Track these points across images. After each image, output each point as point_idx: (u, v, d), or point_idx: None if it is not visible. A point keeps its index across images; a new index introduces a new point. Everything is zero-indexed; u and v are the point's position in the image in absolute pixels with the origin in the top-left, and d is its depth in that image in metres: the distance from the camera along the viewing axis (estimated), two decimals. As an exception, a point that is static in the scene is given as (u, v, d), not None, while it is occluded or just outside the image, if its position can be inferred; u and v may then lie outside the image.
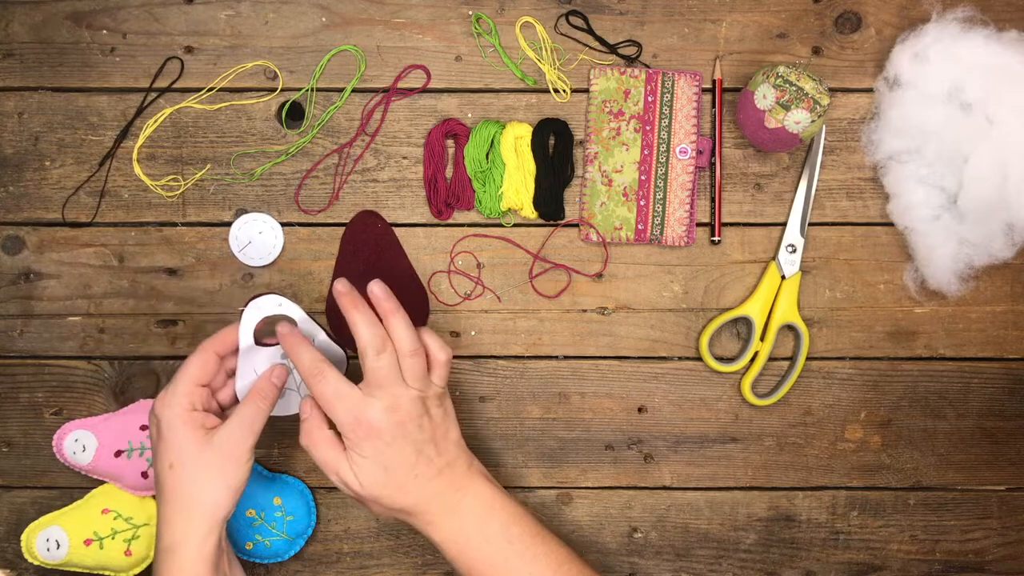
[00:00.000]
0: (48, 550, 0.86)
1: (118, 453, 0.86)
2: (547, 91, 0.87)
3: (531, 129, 0.86)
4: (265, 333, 0.82)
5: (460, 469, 0.78)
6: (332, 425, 0.77)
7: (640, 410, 0.90)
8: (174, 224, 0.88)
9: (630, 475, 0.90)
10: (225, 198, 0.88)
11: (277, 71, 0.87)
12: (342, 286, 0.76)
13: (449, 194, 0.87)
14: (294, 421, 0.85)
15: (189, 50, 0.87)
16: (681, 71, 0.87)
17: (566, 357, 0.89)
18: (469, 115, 0.87)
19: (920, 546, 0.91)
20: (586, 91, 0.87)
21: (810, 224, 0.88)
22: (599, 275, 0.89)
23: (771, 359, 0.89)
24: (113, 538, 0.86)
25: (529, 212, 0.87)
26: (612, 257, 0.88)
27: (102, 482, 0.88)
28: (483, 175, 0.87)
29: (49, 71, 0.87)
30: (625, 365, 0.89)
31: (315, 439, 0.76)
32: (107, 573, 0.88)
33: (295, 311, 0.83)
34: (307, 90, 0.87)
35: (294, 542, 0.89)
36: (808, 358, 0.89)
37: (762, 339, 0.88)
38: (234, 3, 0.87)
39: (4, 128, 0.87)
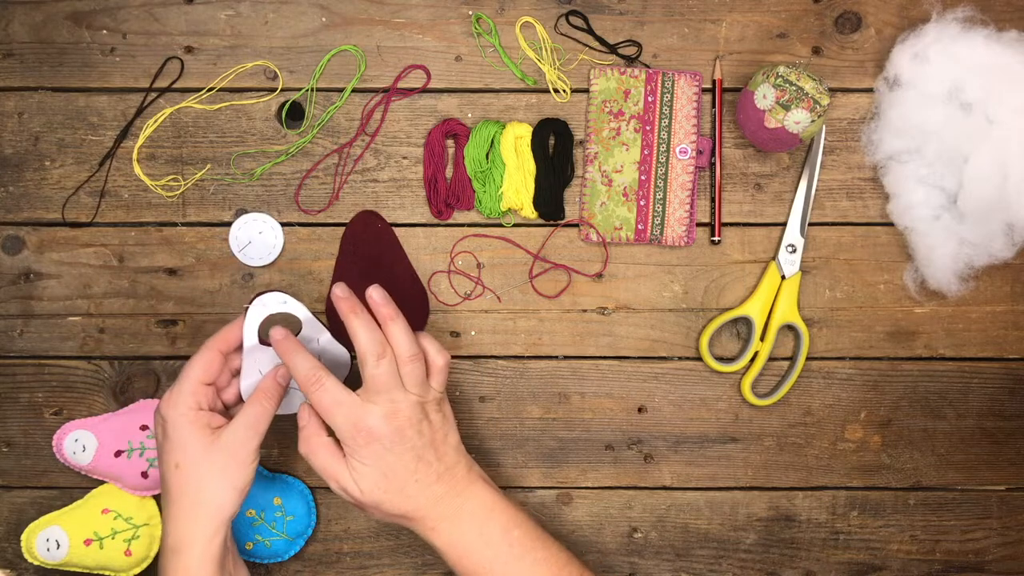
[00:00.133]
0: (48, 550, 0.86)
1: (118, 453, 0.86)
2: (547, 91, 0.87)
3: (531, 129, 0.86)
4: (268, 333, 0.82)
5: (460, 473, 0.78)
6: (330, 432, 0.77)
7: (640, 410, 0.90)
8: (174, 224, 0.88)
9: (630, 475, 0.90)
10: (225, 198, 0.88)
11: (277, 71, 0.87)
12: (340, 291, 0.76)
13: (449, 194, 0.87)
14: (295, 422, 0.85)
15: (189, 50, 0.87)
16: (681, 71, 0.87)
17: (566, 357, 0.89)
18: (469, 115, 0.87)
19: (920, 546, 0.91)
20: (586, 91, 0.87)
21: (810, 224, 0.88)
22: (599, 275, 0.89)
23: (771, 359, 0.89)
24: (113, 538, 0.86)
25: (529, 212, 0.87)
26: (612, 257, 0.88)
27: (102, 482, 0.88)
28: (483, 175, 0.87)
29: (49, 71, 0.87)
30: (625, 365, 0.89)
31: (313, 446, 0.76)
32: (107, 573, 0.88)
33: (300, 309, 0.83)
34: (307, 90, 0.87)
35: (294, 542, 0.89)
36: (808, 358, 0.89)
37: (762, 339, 0.88)
38: (234, 3, 0.87)
39: (4, 128, 0.87)
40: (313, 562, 0.91)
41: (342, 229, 0.88)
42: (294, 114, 0.88)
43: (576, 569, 0.78)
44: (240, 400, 0.81)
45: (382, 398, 0.75)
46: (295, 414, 0.81)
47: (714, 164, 0.87)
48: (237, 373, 0.82)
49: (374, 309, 0.76)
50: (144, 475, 0.86)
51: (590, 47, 0.87)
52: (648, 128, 0.87)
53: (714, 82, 0.87)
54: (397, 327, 0.76)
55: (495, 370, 0.89)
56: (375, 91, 0.87)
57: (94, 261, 0.88)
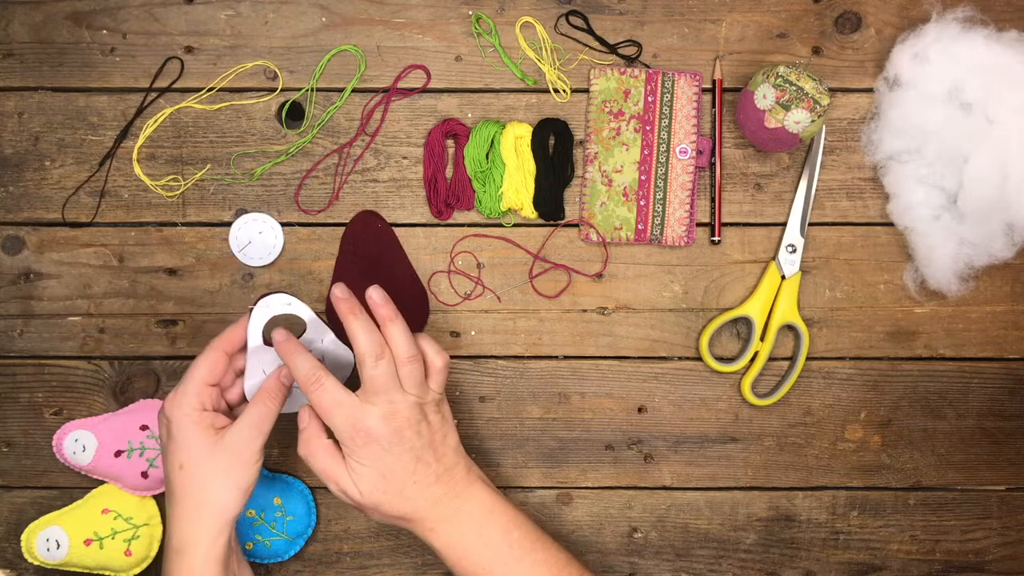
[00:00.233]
0: (48, 550, 0.86)
1: (118, 453, 0.86)
2: (547, 91, 0.87)
3: (531, 129, 0.86)
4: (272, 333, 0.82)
5: (459, 474, 0.78)
6: (330, 434, 0.77)
7: (640, 410, 0.90)
8: (174, 224, 0.88)
9: (630, 475, 0.90)
10: (225, 198, 0.88)
11: (277, 71, 0.87)
12: (340, 291, 0.76)
13: (449, 194, 0.87)
14: (295, 422, 0.85)
15: (189, 50, 0.87)
16: (681, 71, 0.87)
17: (566, 357, 0.89)
18: (469, 115, 0.87)
19: (920, 546, 0.91)
20: (586, 91, 0.87)
21: (810, 224, 0.88)
22: (599, 275, 0.89)
23: (771, 359, 0.89)
24: (113, 538, 0.86)
25: (529, 212, 0.87)
26: (612, 257, 0.88)
27: (102, 482, 0.88)
28: (483, 175, 0.87)
29: (49, 71, 0.87)
30: (625, 365, 0.89)
31: (313, 448, 0.77)
32: (107, 573, 0.88)
33: (304, 311, 0.83)
34: (307, 90, 0.87)
35: (294, 542, 0.89)
36: (808, 358, 0.89)
37: (762, 339, 0.88)
38: (234, 3, 0.87)
39: (4, 128, 0.87)
40: (313, 562, 0.91)
41: (342, 229, 0.88)
42: (294, 114, 0.88)
43: (576, 570, 0.78)
44: (244, 400, 0.81)
45: (380, 399, 0.75)
46: (295, 412, 0.81)
47: (714, 164, 0.87)
48: (241, 374, 0.82)
49: (373, 310, 0.76)
50: (144, 475, 0.86)
51: (590, 47, 0.87)
52: (648, 128, 0.87)
53: (714, 82, 0.87)
54: (396, 328, 0.76)
55: (495, 370, 0.89)
56: (375, 91, 0.87)
57: (94, 261, 0.88)
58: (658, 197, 0.87)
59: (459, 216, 0.88)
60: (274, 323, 0.81)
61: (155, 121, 0.87)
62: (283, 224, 0.88)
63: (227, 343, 0.80)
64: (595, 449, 0.90)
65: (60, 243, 0.88)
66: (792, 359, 0.89)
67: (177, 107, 0.87)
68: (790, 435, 0.90)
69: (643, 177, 0.87)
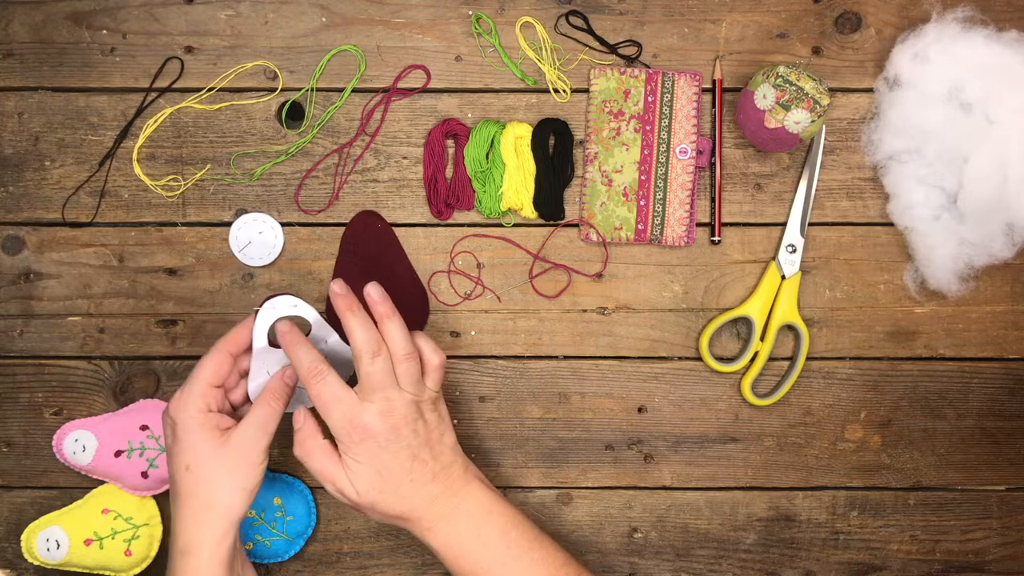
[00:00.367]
0: (48, 550, 0.86)
1: (118, 453, 0.86)
2: (547, 91, 0.87)
3: (531, 129, 0.86)
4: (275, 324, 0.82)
5: (456, 473, 0.78)
6: (326, 434, 0.77)
7: (640, 410, 0.90)
8: (174, 224, 0.88)
9: (630, 475, 0.90)
10: (225, 198, 0.88)
11: (277, 71, 0.87)
12: (338, 288, 0.76)
13: (449, 194, 0.87)
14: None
15: (189, 50, 0.87)
16: (681, 71, 0.87)
17: (566, 357, 0.89)
18: (469, 115, 0.87)
19: (920, 546, 0.91)
20: (586, 91, 0.87)
21: (810, 224, 0.88)
22: (599, 275, 0.89)
23: (771, 359, 0.89)
24: (113, 538, 0.86)
25: (529, 212, 0.87)
26: (612, 257, 0.88)
27: (102, 482, 0.88)
28: (483, 175, 0.87)
29: (49, 71, 0.87)
30: (625, 365, 0.89)
31: (309, 448, 0.77)
32: (107, 573, 0.88)
33: (310, 312, 0.83)
34: (307, 90, 0.87)
35: (294, 542, 0.89)
36: (808, 358, 0.89)
37: (762, 339, 0.88)
38: (234, 3, 0.87)
39: (4, 128, 0.87)
40: (313, 562, 0.91)
41: (342, 229, 0.88)
42: (294, 114, 0.88)
43: (574, 569, 0.78)
44: (247, 401, 0.81)
45: (377, 396, 0.75)
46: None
47: (714, 164, 0.87)
48: (245, 375, 0.82)
49: (371, 307, 0.76)
50: (144, 475, 0.86)
51: (590, 47, 0.87)
52: (648, 128, 0.87)
53: (714, 82, 0.87)
54: (393, 325, 0.76)
55: (495, 370, 0.89)
56: (375, 91, 0.87)
57: (94, 261, 0.88)
58: (658, 197, 0.87)
59: (459, 216, 0.88)
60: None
61: (155, 121, 0.87)
62: (283, 224, 0.88)
63: (232, 344, 0.80)
64: (595, 449, 0.90)
65: (60, 243, 0.88)
66: (792, 359, 0.89)
67: (177, 107, 0.87)
68: (790, 435, 0.90)
69: (643, 177, 0.87)
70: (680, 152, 0.87)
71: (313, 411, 0.78)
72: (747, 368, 0.89)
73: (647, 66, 0.87)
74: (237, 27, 0.87)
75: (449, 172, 0.88)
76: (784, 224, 0.88)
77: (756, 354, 0.88)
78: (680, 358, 0.89)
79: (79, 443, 0.87)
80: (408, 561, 0.91)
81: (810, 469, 0.90)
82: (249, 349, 0.81)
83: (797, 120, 0.81)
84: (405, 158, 0.88)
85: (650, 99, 0.87)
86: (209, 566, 0.75)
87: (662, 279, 0.89)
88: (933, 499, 0.91)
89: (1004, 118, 0.82)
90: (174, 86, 0.87)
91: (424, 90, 0.87)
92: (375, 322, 0.76)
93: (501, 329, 0.89)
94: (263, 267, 0.88)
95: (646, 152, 0.87)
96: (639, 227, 0.87)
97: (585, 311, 0.89)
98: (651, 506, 0.91)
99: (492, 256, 0.88)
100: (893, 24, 0.87)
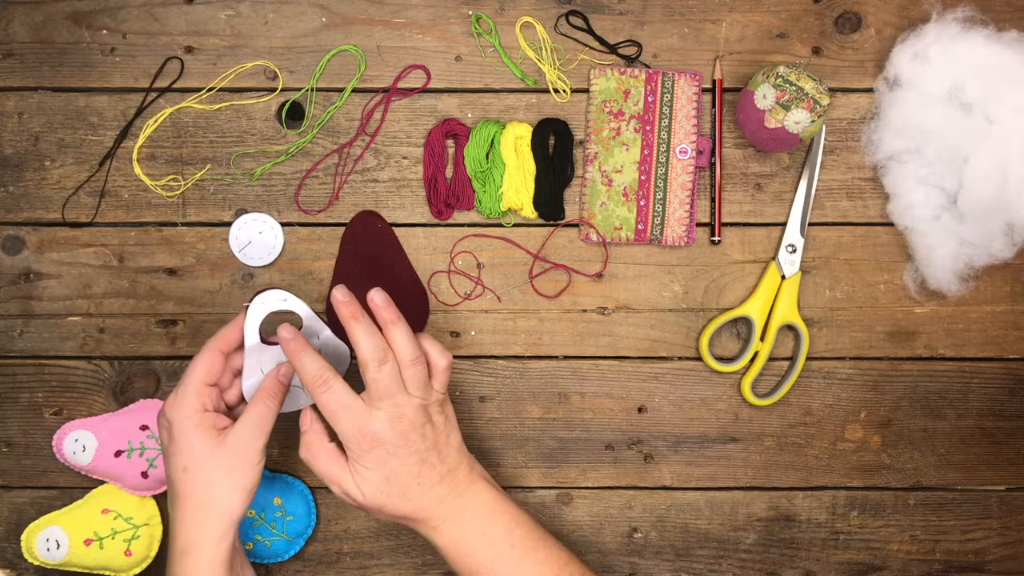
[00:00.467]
0: (48, 550, 0.86)
1: (118, 453, 0.86)
2: (547, 91, 0.87)
3: (531, 129, 0.86)
4: (271, 331, 0.82)
5: (462, 474, 0.78)
6: (332, 436, 0.77)
7: (640, 410, 0.90)
8: (174, 224, 0.88)
9: (630, 475, 0.90)
10: (225, 198, 0.88)
11: (277, 71, 0.87)
12: (341, 295, 0.75)
13: (449, 194, 0.87)
14: (295, 422, 0.85)
15: (189, 50, 0.87)
16: (681, 71, 0.87)
17: (566, 357, 0.89)
18: (469, 115, 0.87)
19: (920, 546, 0.91)
20: (586, 91, 0.87)
21: (810, 224, 0.88)
22: (599, 275, 0.89)
23: (771, 359, 0.89)
24: (113, 538, 0.86)
25: (529, 212, 0.87)
26: (612, 257, 0.88)
27: (102, 482, 0.88)
28: (483, 175, 0.87)
29: (49, 71, 0.87)
30: (625, 365, 0.89)
31: (315, 452, 0.76)
32: (107, 573, 0.88)
33: (300, 306, 0.82)
34: (307, 90, 0.87)
35: (294, 542, 0.89)
36: (808, 358, 0.89)
37: (762, 339, 0.88)
38: (234, 3, 0.87)
39: (4, 128, 0.87)
40: (313, 562, 0.91)
41: (342, 229, 0.88)
42: (294, 114, 0.88)
43: (577, 569, 0.78)
44: (242, 401, 0.81)
45: (385, 403, 0.74)
46: (298, 411, 0.81)
47: (714, 164, 0.87)
48: (239, 374, 0.81)
49: (375, 313, 0.76)
50: (144, 475, 0.86)
51: (590, 47, 0.87)
52: (648, 128, 0.87)
53: (714, 82, 0.87)
54: (399, 331, 0.75)
55: (495, 370, 0.89)
56: (375, 91, 0.87)
57: (94, 261, 0.88)
58: (658, 197, 0.87)
59: (459, 216, 0.88)
60: (270, 320, 0.81)
61: (155, 121, 0.87)
62: (283, 224, 0.88)
63: (223, 343, 0.79)
64: (595, 449, 0.90)
65: (60, 243, 0.88)
66: (792, 359, 0.89)
67: (177, 107, 0.87)
68: (790, 435, 0.90)
69: (643, 177, 0.87)
70: (680, 152, 0.87)
71: (318, 412, 0.78)
72: (747, 368, 0.89)
73: (647, 66, 0.87)
74: (237, 27, 0.87)
75: (449, 172, 0.88)
76: (784, 224, 0.88)
77: (756, 354, 0.88)
78: (680, 358, 0.89)
79: (79, 443, 0.87)
80: (408, 561, 0.91)
81: (810, 469, 0.90)
82: (241, 347, 0.81)
83: (797, 120, 0.81)
84: (405, 158, 0.88)
85: (650, 99, 0.87)
86: (209, 566, 0.75)
87: (662, 279, 0.89)
88: (933, 499, 0.91)
89: (1004, 118, 0.82)
90: (174, 86, 0.87)
91: (424, 90, 0.87)
92: (379, 327, 0.76)
93: (501, 329, 0.89)
94: (263, 267, 0.88)
95: (646, 152, 0.87)
96: (639, 227, 0.87)
97: (585, 311, 0.89)
98: (651, 506, 0.91)
99: (492, 256, 0.88)
100: (893, 24, 0.87)
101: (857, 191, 0.88)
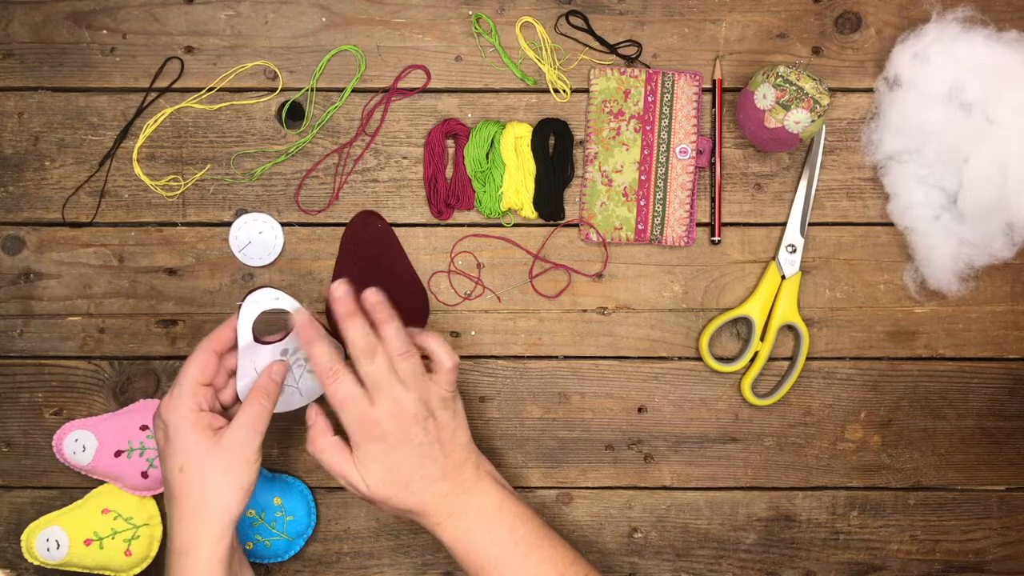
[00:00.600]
0: (48, 550, 0.86)
1: (118, 453, 0.86)
2: (547, 91, 0.87)
3: (531, 129, 0.87)
4: (263, 330, 0.82)
5: (468, 471, 0.78)
6: (337, 430, 0.77)
7: (640, 410, 0.90)
8: (174, 224, 0.88)
9: (630, 475, 0.90)
10: (225, 198, 0.88)
11: (277, 71, 0.87)
12: (339, 292, 0.77)
13: (449, 194, 0.87)
14: (294, 421, 0.85)
15: (189, 50, 0.87)
16: (681, 71, 0.87)
17: (566, 357, 0.89)
18: (469, 115, 0.87)
19: (920, 546, 0.91)
20: (586, 91, 0.87)
21: (810, 224, 0.88)
22: (599, 275, 0.89)
23: (771, 359, 0.89)
24: (113, 538, 0.86)
25: (529, 212, 0.87)
26: (612, 257, 0.88)
27: (102, 482, 0.88)
28: (483, 175, 0.87)
29: (49, 71, 0.87)
30: (625, 365, 0.89)
31: (321, 445, 0.77)
32: (107, 573, 0.88)
33: (293, 305, 0.83)
34: (307, 90, 0.87)
35: (294, 542, 0.89)
36: (808, 358, 0.89)
37: (762, 339, 0.88)
38: (234, 3, 0.87)
39: (4, 128, 0.87)
40: (313, 562, 0.91)
41: (342, 229, 0.88)
42: (294, 114, 0.88)
43: (582, 568, 0.78)
44: (237, 401, 0.81)
45: (383, 395, 0.75)
46: (293, 411, 0.81)
47: (714, 164, 0.87)
48: (233, 374, 0.82)
49: (369, 311, 0.77)
50: (144, 475, 0.86)
51: (590, 47, 0.87)
52: (648, 128, 0.87)
53: (714, 82, 0.87)
54: (391, 328, 0.76)
55: (495, 370, 0.89)
56: (375, 91, 0.87)
57: (94, 261, 0.88)
58: (658, 197, 0.87)
59: (459, 216, 0.88)
60: (263, 319, 0.81)
61: (155, 121, 0.87)
62: (283, 224, 0.88)
63: (216, 342, 0.80)
64: (595, 449, 0.90)
65: (60, 243, 0.88)
66: (792, 359, 0.89)
67: (177, 107, 0.87)
68: (790, 435, 0.90)
69: (643, 177, 0.87)
70: (680, 152, 0.87)
71: (324, 408, 0.78)
72: (747, 368, 0.89)
73: (647, 66, 0.87)
74: (237, 27, 0.87)
75: (449, 172, 0.88)
76: (784, 224, 0.88)
77: (756, 354, 0.88)
78: (680, 358, 0.89)
79: (79, 443, 0.87)
80: (408, 561, 0.91)
81: (810, 469, 0.90)
82: (235, 347, 0.81)
83: (797, 120, 0.81)
84: (405, 158, 0.88)
85: (650, 99, 0.87)
86: (208, 566, 0.75)
87: (662, 279, 0.89)
88: (933, 499, 0.91)
89: (1004, 118, 0.82)
90: (174, 86, 0.87)
91: (424, 90, 0.87)
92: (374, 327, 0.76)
93: (501, 329, 0.89)
94: (263, 267, 0.88)
95: (646, 152, 0.87)
96: (639, 227, 0.87)
97: (585, 311, 0.89)
98: (651, 506, 0.91)
99: (492, 256, 0.88)
100: (893, 24, 0.87)
101: (857, 191, 0.88)
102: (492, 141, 0.86)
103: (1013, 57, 0.83)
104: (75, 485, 0.89)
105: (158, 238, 0.88)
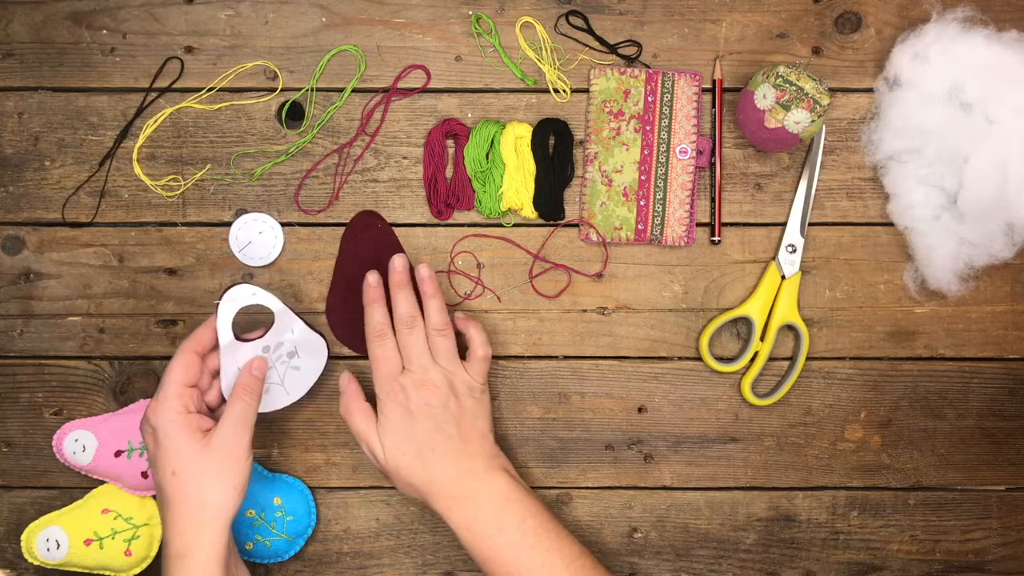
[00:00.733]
0: (48, 550, 0.86)
1: (118, 453, 0.86)
2: (547, 91, 0.87)
3: (531, 129, 0.86)
4: (243, 327, 0.82)
5: (482, 460, 0.80)
6: (367, 398, 0.82)
7: (640, 410, 0.90)
8: (174, 224, 0.88)
9: (630, 475, 0.90)
10: (225, 198, 0.88)
11: (277, 71, 0.87)
12: (397, 263, 0.82)
13: (449, 194, 0.87)
14: (294, 421, 0.85)
15: (189, 50, 0.87)
16: (681, 71, 0.87)
17: (566, 357, 0.89)
18: (469, 115, 0.87)
19: (920, 546, 0.91)
20: (586, 91, 0.87)
21: (810, 224, 0.88)
22: (599, 275, 0.89)
23: (771, 359, 0.89)
24: (113, 538, 0.86)
25: (529, 212, 0.87)
26: (612, 257, 0.88)
27: (102, 482, 0.88)
28: (483, 175, 0.87)
29: (49, 71, 0.87)
30: (625, 365, 0.89)
31: (351, 409, 0.81)
32: (107, 573, 0.88)
33: (270, 300, 0.83)
34: (307, 90, 0.87)
35: (294, 542, 0.89)
36: (808, 358, 0.89)
37: (762, 339, 0.88)
38: (234, 3, 0.87)
39: (4, 128, 0.87)
40: (313, 562, 0.91)
41: (342, 229, 0.88)
42: (294, 114, 0.88)
43: (588, 562, 0.79)
44: (223, 401, 0.82)
45: (414, 364, 0.80)
46: (280, 411, 0.84)
47: (714, 164, 0.87)
48: (217, 375, 0.82)
49: (420, 284, 0.82)
50: (144, 475, 0.86)
51: (590, 47, 0.87)
52: (648, 128, 0.87)
53: (714, 82, 0.87)
54: (433, 303, 0.82)
55: (495, 370, 0.89)
56: (375, 91, 0.87)
57: (94, 261, 0.88)
58: (658, 197, 0.87)
59: (459, 216, 0.88)
60: (242, 315, 0.82)
61: (155, 121, 0.87)
62: (283, 224, 0.88)
63: (196, 343, 0.81)
64: (595, 449, 0.90)
65: (60, 243, 0.88)
66: (792, 359, 0.89)
67: (177, 107, 0.87)
68: (790, 435, 0.90)
69: (643, 177, 0.87)
70: (680, 152, 0.87)
71: (357, 376, 0.83)
72: (747, 368, 0.89)
73: (647, 66, 0.87)
74: (237, 27, 0.87)
75: (449, 172, 0.88)
76: (784, 224, 0.88)
77: (756, 354, 0.88)
78: (680, 358, 0.89)
79: (79, 443, 0.87)
80: (408, 561, 0.91)
81: (810, 469, 0.90)
82: (216, 347, 0.82)
83: (797, 120, 0.81)
84: (405, 158, 0.88)
85: (650, 99, 0.87)
86: (206, 567, 0.75)
87: (662, 279, 0.89)
88: (933, 499, 0.91)
89: (1004, 118, 0.82)
90: (174, 86, 0.87)
91: (424, 90, 0.87)
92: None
93: (501, 329, 0.89)
94: (263, 267, 0.88)
95: (646, 152, 0.87)
96: (639, 227, 0.87)
97: (585, 311, 0.89)
98: (651, 506, 0.91)
99: (492, 256, 0.88)
100: (893, 24, 0.87)
101: (857, 191, 0.88)
102: (492, 141, 0.86)
103: (1013, 57, 0.83)
104: (75, 485, 0.89)
105: (158, 238, 0.88)
